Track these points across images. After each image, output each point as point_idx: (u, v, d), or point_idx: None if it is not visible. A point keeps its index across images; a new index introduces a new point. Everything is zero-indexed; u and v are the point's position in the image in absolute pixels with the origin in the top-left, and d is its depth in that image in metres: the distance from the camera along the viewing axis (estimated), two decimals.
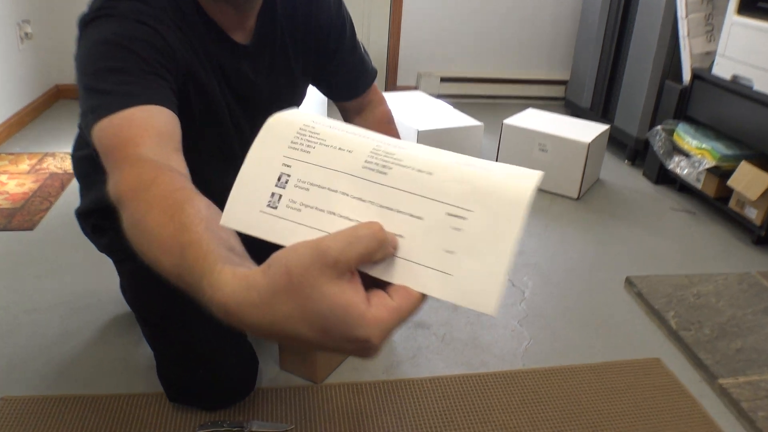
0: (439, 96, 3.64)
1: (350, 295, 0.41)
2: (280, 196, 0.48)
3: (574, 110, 3.47)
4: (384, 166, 0.47)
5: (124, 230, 0.61)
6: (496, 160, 2.67)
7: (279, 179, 0.48)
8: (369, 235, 0.42)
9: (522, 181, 0.46)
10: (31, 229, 2.03)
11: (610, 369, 1.57)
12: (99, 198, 1.25)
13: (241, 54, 1.10)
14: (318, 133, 0.49)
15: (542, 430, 1.37)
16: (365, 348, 0.42)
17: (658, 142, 2.60)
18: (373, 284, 0.44)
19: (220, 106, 1.10)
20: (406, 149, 0.49)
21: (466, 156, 0.50)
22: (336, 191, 0.47)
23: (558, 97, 3.88)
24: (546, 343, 1.65)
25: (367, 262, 0.43)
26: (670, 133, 2.59)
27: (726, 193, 2.35)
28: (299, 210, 0.47)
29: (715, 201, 2.40)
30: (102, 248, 1.39)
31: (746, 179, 2.22)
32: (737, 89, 2.31)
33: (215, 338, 1.25)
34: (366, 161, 0.47)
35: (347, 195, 0.47)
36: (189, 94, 1.01)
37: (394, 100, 3.07)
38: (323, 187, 0.47)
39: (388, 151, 0.48)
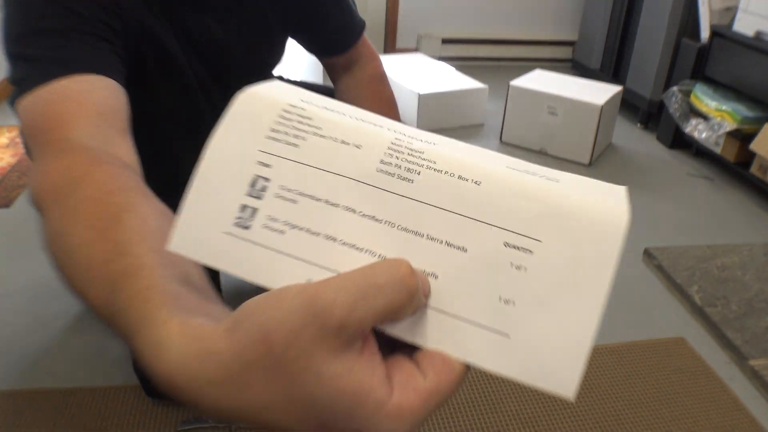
0: (440, 58, 3.48)
1: (362, 377, 0.28)
2: (255, 210, 0.33)
3: (582, 72, 3.31)
4: (409, 170, 0.33)
5: (44, 243, 0.45)
6: (502, 126, 2.53)
7: (253, 185, 0.33)
8: (394, 284, 0.29)
9: (610, 200, 0.33)
10: (7, 206, 1.90)
11: (631, 350, 1.45)
12: None
13: (205, 6, 0.92)
14: (310, 119, 0.35)
15: (559, 421, 1.25)
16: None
17: (674, 104, 2.45)
18: (390, 343, 0.31)
19: (184, 69, 0.93)
20: (437, 145, 0.35)
21: (515, 159, 0.36)
22: (337, 205, 0.33)
23: (565, 59, 3.71)
24: None
25: (388, 322, 0.30)
26: (687, 94, 2.45)
27: (747, 158, 2.21)
28: (282, 232, 0.33)
29: (735, 166, 2.27)
30: None
31: None
32: (761, 46, 2.15)
33: None
34: (382, 161, 0.33)
35: (354, 211, 0.33)
36: (145, 56, 0.86)
37: (393, 63, 2.92)
38: (318, 199, 0.33)
39: (413, 148, 0.34)
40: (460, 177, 0.33)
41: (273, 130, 0.34)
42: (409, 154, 0.34)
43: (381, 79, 1.15)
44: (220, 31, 0.95)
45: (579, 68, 3.38)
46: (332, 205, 0.33)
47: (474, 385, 1.32)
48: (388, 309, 0.28)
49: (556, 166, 2.16)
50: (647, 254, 1.78)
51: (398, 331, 0.31)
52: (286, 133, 0.34)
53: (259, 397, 0.28)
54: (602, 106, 2.29)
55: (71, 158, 0.51)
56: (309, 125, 0.34)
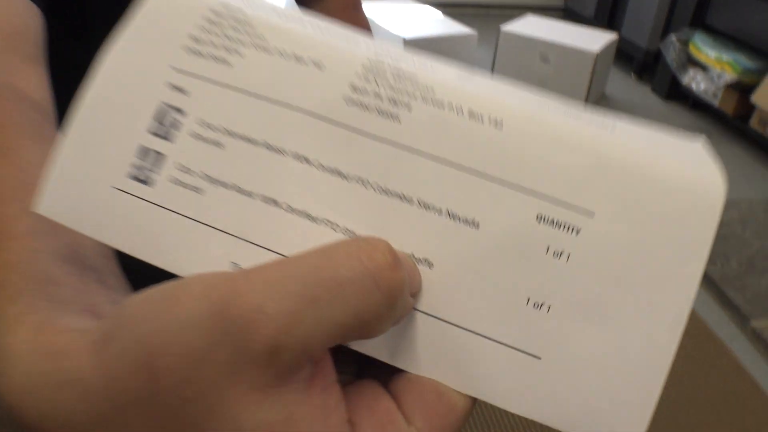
0: (426, 2, 3.34)
1: (309, 427, 0.17)
2: (161, 156, 0.22)
3: (575, 20, 3.18)
4: (394, 102, 0.22)
5: None
6: (492, 72, 2.42)
7: (160, 119, 0.22)
8: (363, 280, 0.17)
9: (692, 157, 0.22)
10: None
11: None
12: None
13: None
14: (250, 25, 0.23)
15: None
16: None
17: (671, 54, 2.35)
18: (356, 359, 0.21)
19: None
20: (435, 68, 0.23)
21: (545, 95, 0.24)
22: (284, 152, 0.22)
23: (556, 7, 3.58)
24: None
25: (353, 339, 0.19)
26: (686, 43, 2.34)
27: (746, 111, 2.12)
28: (199, 190, 0.22)
29: (733, 119, 2.18)
30: None
31: None
32: None
33: None
34: (354, 88, 0.22)
35: (308, 161, 0.22)
36: None
37: (377, 7, 2.78)
38: (255, 142, 0.22)
39: (400, 69, 0.22)
40: (470, 114, 0.21)
41: (194, 39, 0.23)
42: (394, 78, 0.22)
43: (355, 5, 1.01)
44: None
45: (572, 15, 3.25)
46: (276, 151, 0.21)
47: None
48: (354, 321, 0.17)
49: None
50: None
51: (371, 347, 0.20)
52: (213, 44, 0.22)
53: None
54: (597, 54, 2.18)
55: None
56: (247, 34, 0.23)
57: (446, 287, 0.20)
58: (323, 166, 0.21)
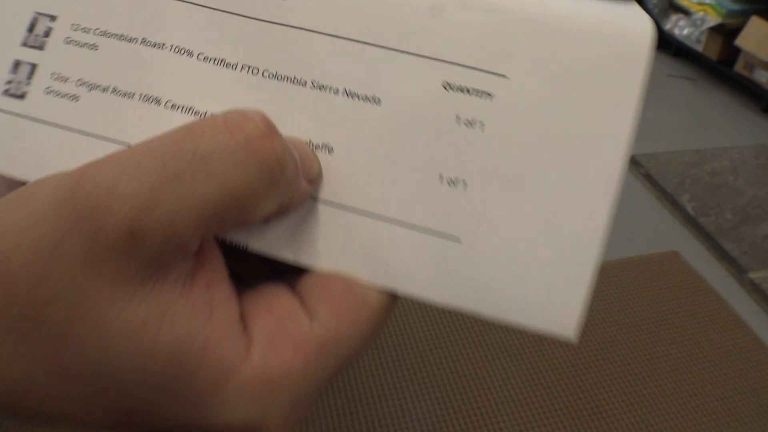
0: None
1: (188, 326, 0.15)
2: (34, 66, 0.20)
3: None
4: None
5: None
6: None
7: (31, 29, 0.21)
8: (233, 151, 0.15)
9: (614, 6, 0.19)
10: None
11: (621, 268, 1.33)
12: None
13: None
14: None
15: (549, 350, 1.14)
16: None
17: (652, 0, 2.28)
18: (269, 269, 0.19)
19: None
20: None
21: None
22: (163, 46, 0.20)
23: None
24: None
25: (232, 225, 0.16)
26: None
27: (731, 56, 2.08)
28: (76, 97, 0.20)
29: (718, 65, 2.13)
30: None
31: (757, 37, 1.94)
32: None
33: None
34: None
35: (190, 54, 0.20)
36: None
37: None
38: (132, 39, 0.20)
39: None
40: None
41: None
42: None
43: None
44: None
45: None
46: (154, 46, 0.20)
47: (457, 317, 1.19)
48: (225, 198, 0.15)
49: None
50: (633, 162, 1.65)
51: (263, 243, 0.18)
52: None
53: (11, 373, 0.15)
54: None
55: None
56: None
57: (350, 172, 0.19)
58: (207, 58, 0.20)
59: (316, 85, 0.19)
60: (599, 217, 0.18)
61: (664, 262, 1.34)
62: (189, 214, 0.15)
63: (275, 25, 0.19)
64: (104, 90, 0.20)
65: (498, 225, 0.18)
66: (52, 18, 0.21)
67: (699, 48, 2.18)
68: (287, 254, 0.19)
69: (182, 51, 0.20)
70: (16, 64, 0.20)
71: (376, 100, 0.19)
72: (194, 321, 0.15)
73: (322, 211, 0.19)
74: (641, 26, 0.19)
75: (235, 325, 0.16)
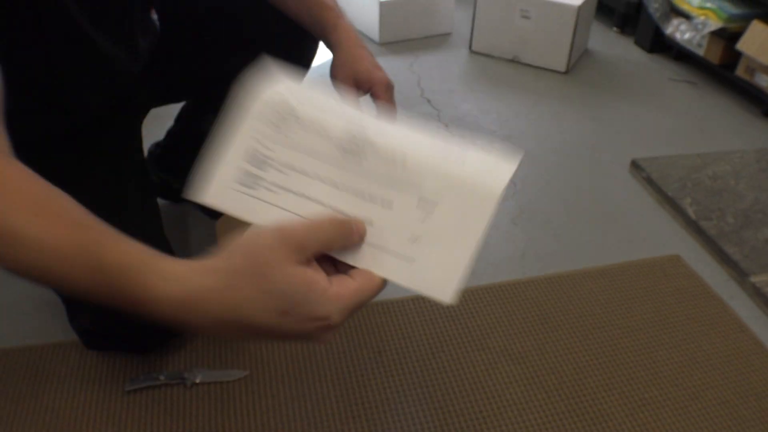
0: None
1: (312, 274, 0.44)
2: (258, 177, 0.52)
3: None
4: (359, 154, 0.51)
5: None
6: (471, 34, 2.34)
7: (259, 161, 0.52)
8: (333, 225, 0.48)
9: (495, 175, 0.51)
10: None
11: (624, 272, 1.33)
12: None
13: None
14: (299, 118, 0.53)
15: (551, 354, 1.14)
16: (324, 327, 0.45)
17: (653, 4, 2.28)
18: (335, 273, 0.49)
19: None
20: (381, 130, 0.53)
21: (444, 137, 0.54)
22: (312, 177, 0.51)
23: None
24: (546, 244, 1.40)
25: (328, 250, 0.48)
26: None
27: (732, 60, 2.07)
28: (275, 192, 0.51)
29: (719, 69, 2.13)
30: None
31: (758, 41, 1.94)
32: None
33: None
34: (342, 148, 0.52)
35: (322, 181, 0.51)
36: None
37: None
38: (300, 172, 0.52)
39: (364, 136, 0.52)
40: (393, 158, 0.51)
41: (275, 125, 0.53)
42: (361, 141, 0.52)
43: None
44: None
45: None
46: (309, 176, 0.52)
47: (454, 319, 1.19)
48: (329, 240, 0.47)
49: (531, 76, 1.98)
50: (634, 165, 1.65)
51: (342, 256, 0.49)
52: (283, 126, 0.53)
53: (245, 295, 0.42)
54: (579, 7, 2.11)
55: None
56: (297, 121, 0.53)
57: (377, 232, 0.50)
58: (329, 183, 0.52)
59: (370, 197, 0.51)
60: (467, 255, 0.49)
61: (666, 265, 1.35)
62: (317, 244, 0.46)
63: (355, 172, 0.52)
64: (287, 191, 0.52)
65: (428, 255, 0.50)
66: (267, 158, 0.52)
67: (700, 52, 2.18)
68: (347, 259, 0.50)
69: (321, 178, 0.52)
70: (252, 175, 0.52)
71: (391, 205, 0.51)
72: (314, 275, 0.45)
73: (364, 247, 0.50)
74: (503, 181, 0.50)
75: (326, 278, 0.46)
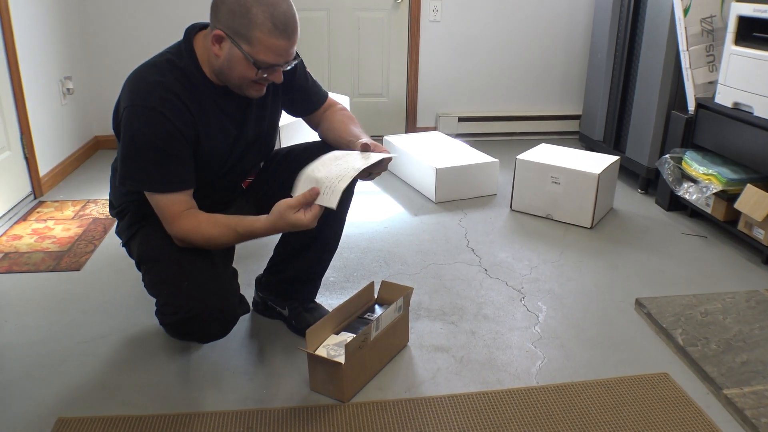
0: (457, 135, 3.79)
1: (299, 215, 1.41)
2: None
3: (588, 143, 3.59)
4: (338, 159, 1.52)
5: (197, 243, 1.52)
6: (512, 195, 2.80)
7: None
8: (303, 196, 1.41)
9: (364, 163, 1.48)
10: (78, 269, 2.20)
11: (619, 384, 1.66)
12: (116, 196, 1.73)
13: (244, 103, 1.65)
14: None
15: None
16: (304, 225, 1.41)
17: (667, 170, 2.70)
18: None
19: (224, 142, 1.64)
20: (352, 156, 1.53)
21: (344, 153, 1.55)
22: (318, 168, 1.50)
23: (573, 132, 4.00)
24: (558, 361, 1.75)
25: (306, 203, 1.42)
26: (678, 161, 2.69)
27: (734, 216, 2.44)
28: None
29: (724, 224, 2.49)
30: (120, 231, 1.73)
31: (752, 201, 2.30)
32: (738, 116, 2.42)
33: (199, 268, 1.52)
34: (336, 156, 1.54)
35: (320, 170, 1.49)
36: (200, 140, 1.56)
37: (413, 141, 3.23)
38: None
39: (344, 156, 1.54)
40: (337, 162, 1.52)
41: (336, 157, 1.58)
42: (336, 179, 1.47)
43: (343, 109, 1.84)
44: (255, 119, 1.69)
45: (585, 140, 3.65)
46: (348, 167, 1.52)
47: (480, 414, 1.53)
48: (305, 200, 1.42)
49: (561, 230, 2.49)
50: (638, 303, 2.00)
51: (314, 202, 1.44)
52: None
53: (281, 219, 1.43)
54: (599, 175, 2.55)
55: (191, 219, 1.51)
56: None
57: (323, 186, 1.46)
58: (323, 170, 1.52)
59: (324, 180, 1.49)
60: (344, 185, 1.47)
61: (655, 380, 1.69)
62: (298, 204, 1.44)
63: (327, 173, 1.51)
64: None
65: (329, 196, 1.46)
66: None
67: (708, 210, 2.55)
68: (316, 201, 1.45)
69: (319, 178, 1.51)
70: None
71: (322, 180, 1.49)
72: (299, 214, 1.44)
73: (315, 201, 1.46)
74: (364, 164, 1.52)
75: (302, 212, 1.45)
